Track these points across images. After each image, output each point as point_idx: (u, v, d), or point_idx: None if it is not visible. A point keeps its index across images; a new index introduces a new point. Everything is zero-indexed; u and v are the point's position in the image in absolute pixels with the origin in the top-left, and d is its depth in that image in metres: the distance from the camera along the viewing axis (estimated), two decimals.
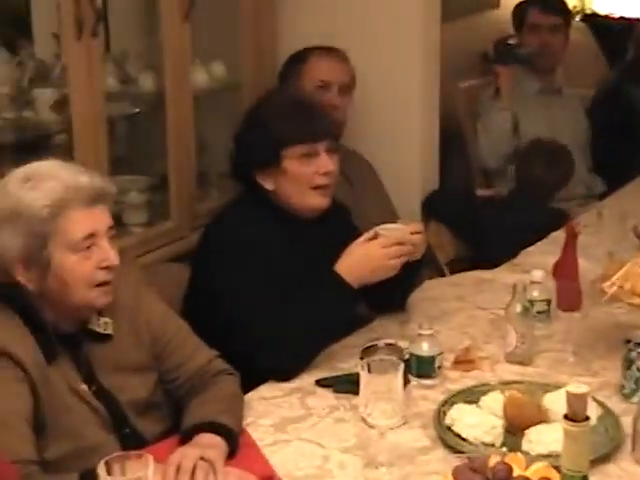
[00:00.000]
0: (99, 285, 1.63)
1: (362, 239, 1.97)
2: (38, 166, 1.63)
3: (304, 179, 2.06)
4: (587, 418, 1.34)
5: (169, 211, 2.64)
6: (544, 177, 3.05)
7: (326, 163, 2.06)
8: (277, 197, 2.09)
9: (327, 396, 1.86)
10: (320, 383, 1.90)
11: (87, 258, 1.61)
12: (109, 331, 1.70)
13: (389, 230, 1.97)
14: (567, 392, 1.34)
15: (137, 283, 1.78)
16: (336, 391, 1.87)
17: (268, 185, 2.09)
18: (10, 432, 1.51)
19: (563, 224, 2.69)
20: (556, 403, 1.64)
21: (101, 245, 1.62)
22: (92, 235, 1.61)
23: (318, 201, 2.08)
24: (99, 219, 1.62)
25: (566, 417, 1.34)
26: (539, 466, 1.42)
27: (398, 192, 2.90)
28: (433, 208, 2.99)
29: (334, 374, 1.92)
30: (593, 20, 4.84)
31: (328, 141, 2.07)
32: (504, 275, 2.48)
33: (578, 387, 1.34)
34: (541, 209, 3.02)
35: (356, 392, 1.77)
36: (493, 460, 1.40)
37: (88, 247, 1.61)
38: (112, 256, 1.63)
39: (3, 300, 1.61)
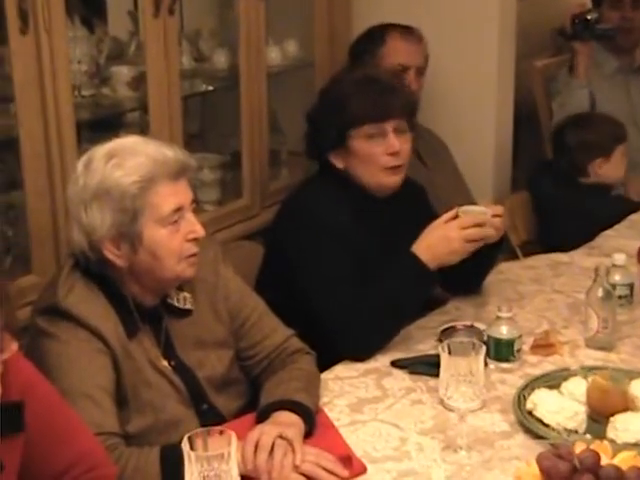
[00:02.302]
0: (187, 257, 1.64)
1: (442, 220, 1.93)
2: (121, 142, 1.64)
3: (373, 159, 2.02)
4: None
5: (241, 189, 2.64)
6: (577, 144, 2.89)
7: (394, 143, 2.01)
8: (349, 176, 2.07)
9: (403, 377, 1.84)
10: (395, 364, 1.88)
11: (176, 231, 1.62)
12: (189, 306, 1.71)
13: (470, 212, 1.94)
14: None
15: (215, 259, 1.78)
16: (412, 372, 1.85)
17: (339, 164, 2.07)
18: (93, 405, 1.52)
19: None
20: None
21: (187, 218, 1.64)
22: (179, 209, 1.62)
23: (390, 180, 2.05)
24: (184, 192, 1.63)
25: None
26: (627, 455, 1.38)
27: (471, 171, 2.86)
28: None
29: (409, 355, 1.90)
30: None
31: (397, 120, 2.02)
32: (581, 258, 2.43)
33: None
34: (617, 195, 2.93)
35: (432, 374, 1.75)
36: (579, 447, 1.37)
37: (176, 220, 1.62)
38: (199, 228, 1.65)
39: (87, 275, 1.62)
